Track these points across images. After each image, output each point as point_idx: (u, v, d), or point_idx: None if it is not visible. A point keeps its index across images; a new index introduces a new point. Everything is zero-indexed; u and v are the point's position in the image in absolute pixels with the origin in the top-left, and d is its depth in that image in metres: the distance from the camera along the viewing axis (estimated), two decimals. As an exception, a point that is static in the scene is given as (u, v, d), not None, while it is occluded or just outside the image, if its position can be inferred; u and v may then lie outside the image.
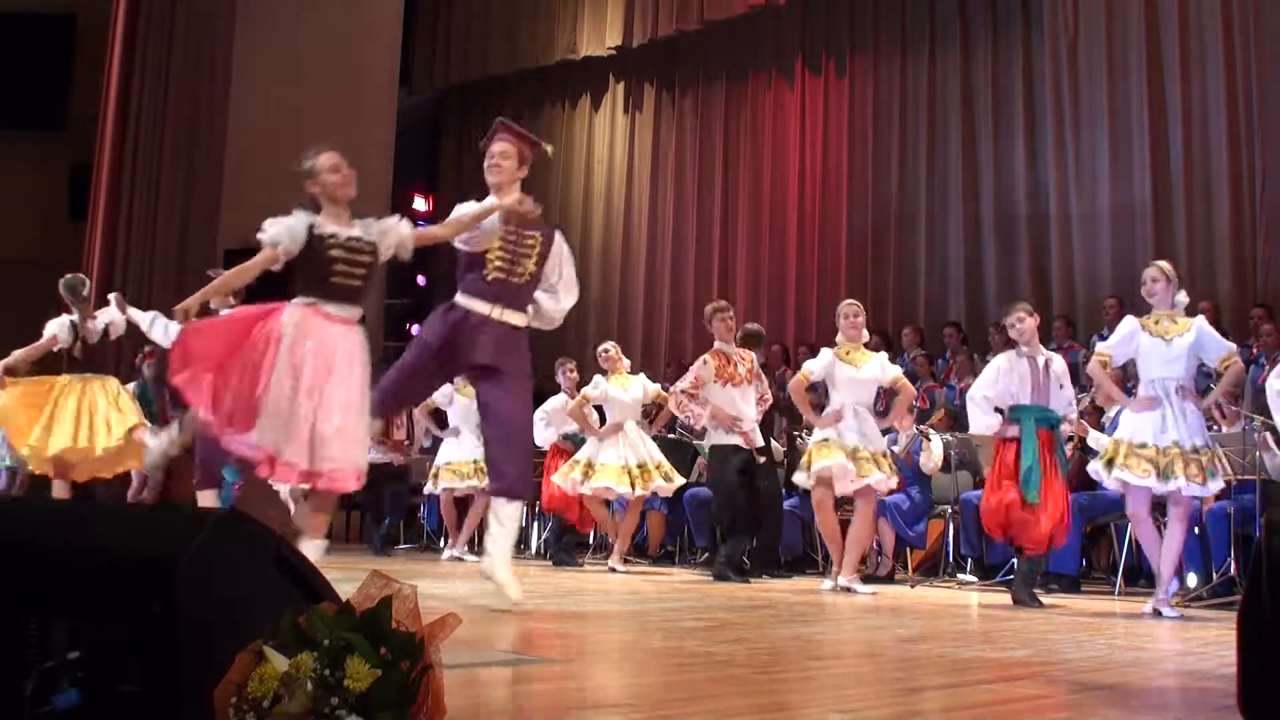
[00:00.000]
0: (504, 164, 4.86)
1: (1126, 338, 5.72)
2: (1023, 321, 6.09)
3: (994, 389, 6.09)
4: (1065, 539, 6.12)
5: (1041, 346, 6.18)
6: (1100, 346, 6.10)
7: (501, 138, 4.95)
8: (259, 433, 4.08)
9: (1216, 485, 5.49)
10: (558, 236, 4.99)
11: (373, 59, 14.07)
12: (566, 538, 9.04)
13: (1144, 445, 5.55)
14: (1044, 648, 3.96)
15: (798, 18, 12.65)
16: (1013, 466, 5.96)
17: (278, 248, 4.48)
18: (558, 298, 4.96)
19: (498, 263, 4.69)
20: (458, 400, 9.24)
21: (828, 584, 6.79)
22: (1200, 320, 5.67)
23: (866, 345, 6.97)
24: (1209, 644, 4.37)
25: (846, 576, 6.64)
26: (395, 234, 4.60)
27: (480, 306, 4.69)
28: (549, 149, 5.10)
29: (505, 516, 4.70)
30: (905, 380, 6.98)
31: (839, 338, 6.90)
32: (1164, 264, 5.82)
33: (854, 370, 6.77)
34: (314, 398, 4.17)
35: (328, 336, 4.31)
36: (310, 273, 4.46)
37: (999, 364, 6.17)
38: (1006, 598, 6.18)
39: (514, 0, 14.54)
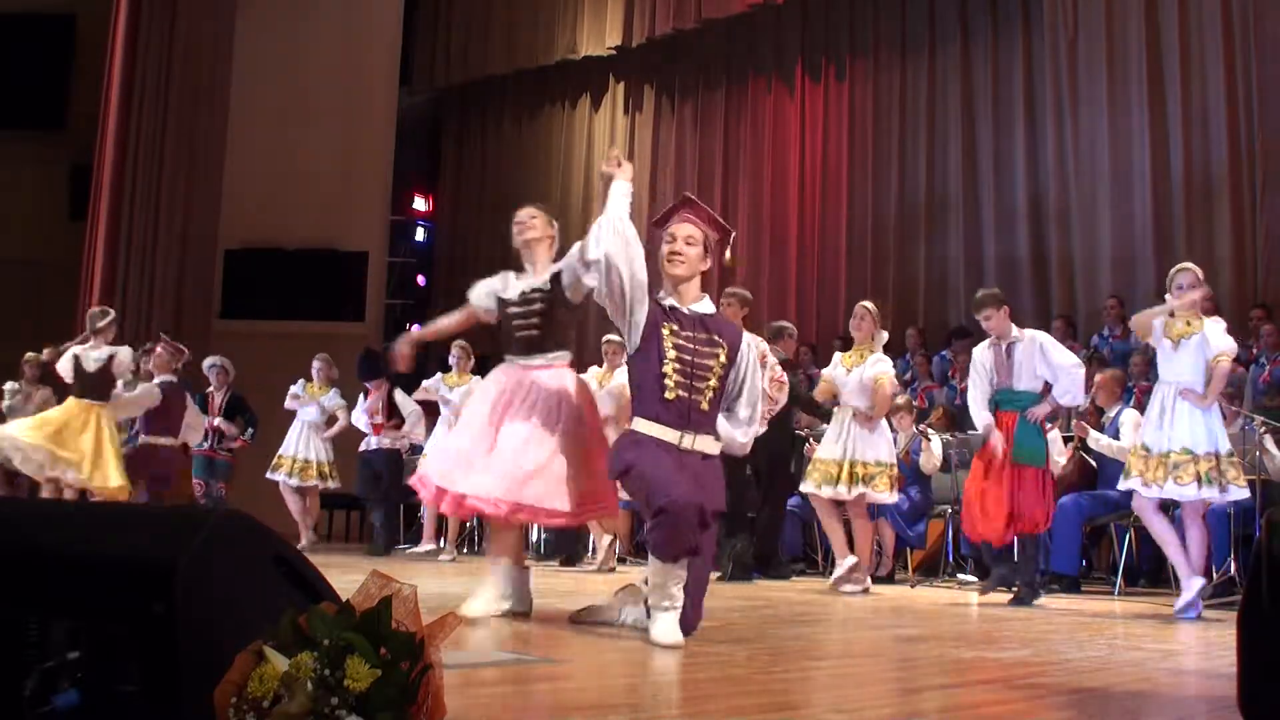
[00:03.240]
0: (689, 252, 3.96)
1: (1159, 333, 5.71)
2: (990, 319, 6.12)
3: (979, 386, 6.16)
4: (1040, 524, 6.04)
5: (1014, 329, 6.12)
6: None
7: (685, 217, 4.01)
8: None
9: (1210, 493, 5.42)
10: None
11: (373, 59, 14.09)
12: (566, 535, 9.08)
13: (1146, 450, 5.58)
14: (1044, 648, 3.95)
15: (797, 18, 12.65)
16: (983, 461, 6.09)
17: None
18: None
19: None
20: (444, 392, 9.27)
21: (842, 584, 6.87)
22: (1210, 321, 5.63)
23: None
24: (1209, 644, 4.37)
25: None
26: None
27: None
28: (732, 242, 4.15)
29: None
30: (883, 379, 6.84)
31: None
32: (1195, 266, 5.75)
33: (844, 373, 6.87)
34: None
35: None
36: None
37: (976, 359, 6.23)
38: (1006, 597, 6.18)
39: (514, 0, 14.55)
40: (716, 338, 3.94)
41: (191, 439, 8.97)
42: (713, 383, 3.90)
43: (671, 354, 3.84)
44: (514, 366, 4.45)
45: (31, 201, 13.89)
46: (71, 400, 8.14)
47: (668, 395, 3.82)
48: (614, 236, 3.84)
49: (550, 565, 8.98)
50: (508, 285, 4.56)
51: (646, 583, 3.88)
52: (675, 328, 3.88)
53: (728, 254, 4.05)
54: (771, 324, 7.93)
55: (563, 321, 4.51)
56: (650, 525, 3.71)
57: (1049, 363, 5.98)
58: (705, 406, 3.88)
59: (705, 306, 4.00)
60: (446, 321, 4.85)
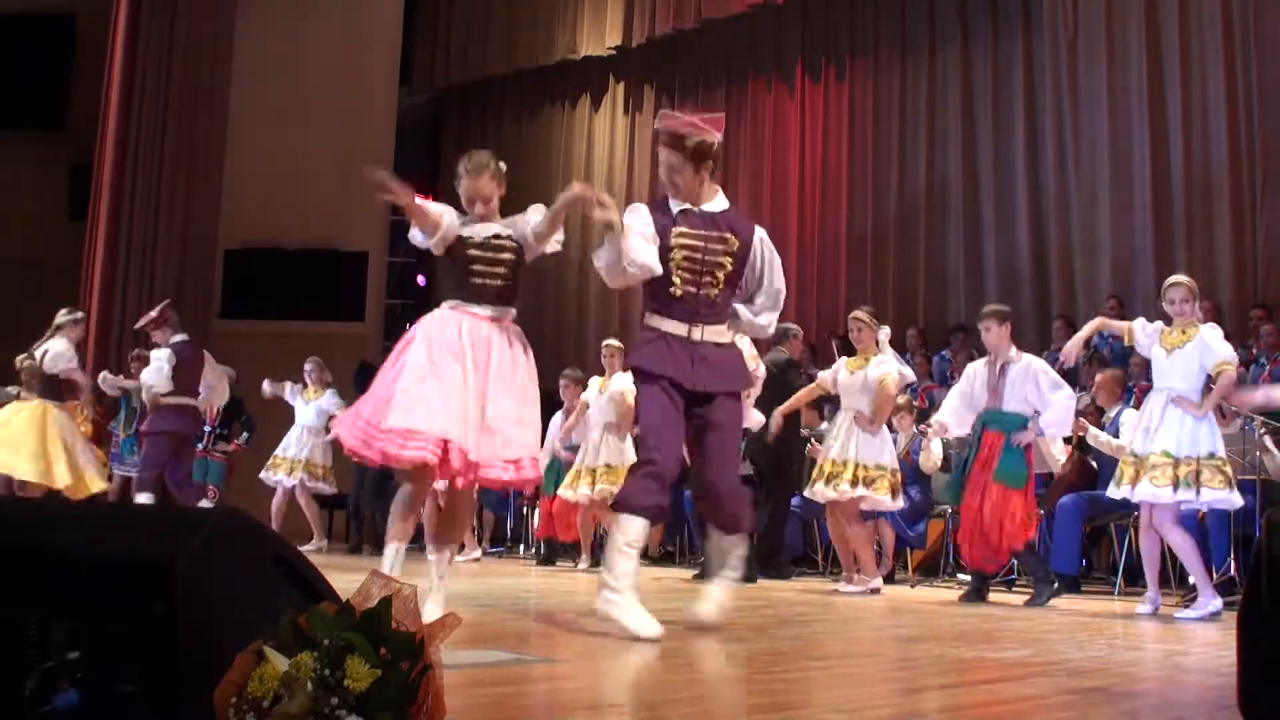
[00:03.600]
0: (675, 179, 4.11)
1: (1150, 335, 5.74)
2: (989, 332, 6.22)
3: (959, 397, 6.35)
4: (1016, 542, 6.06)
5: (1013, 349, 6.19)
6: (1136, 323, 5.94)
7: (661, 144, 4.15)
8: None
9: (1185, 495, 5.42)
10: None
11: (373, 59, 14.08)
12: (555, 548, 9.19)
13: (1134, 456, 5.62)
14: (1044, 648, 3.96)
15: (797, 18, 12.65)
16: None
17: None
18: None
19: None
20: None
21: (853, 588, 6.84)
22: (1206, 328, 5.66)
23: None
24: (1209, 644, 4.37)
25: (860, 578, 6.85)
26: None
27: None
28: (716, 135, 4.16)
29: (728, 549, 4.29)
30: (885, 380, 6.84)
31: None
32: (1189, 281, 5.79)
33: (847, 375, 6.89)
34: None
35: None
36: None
37: (967, 372, 6.40)
38: (1007, 597, 6.20)
39: (514, 0, 14.55)
40: (727, 234, 4.09)
41: (215, 399, 8.55)
42: (721, 276, 4.07)
43: (679, 255, 4.01)
44: (471, 315, 4.13)
45: (31, 201, 13.88)
46: None
47: (674, 292, 4.02)
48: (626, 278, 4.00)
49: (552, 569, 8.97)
50: (468, 224, 4.28)
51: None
52: (685, 229, 4.04)
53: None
54: (782, 327, 7.97)
55: (522, 275, 4.35)
56: (629, 477, 3.97)
57: (1040, 391, 6.02)
58: (714, 297, 4.08)
59: (717, 204, 4.13)
60: (423, 205, 4.26)
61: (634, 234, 3.95)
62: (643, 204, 4.26)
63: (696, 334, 4.04)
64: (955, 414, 6.38)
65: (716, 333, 4.09)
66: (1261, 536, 2.14)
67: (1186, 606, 5.66)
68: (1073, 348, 5.95)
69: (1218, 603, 5.51)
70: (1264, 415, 6.79)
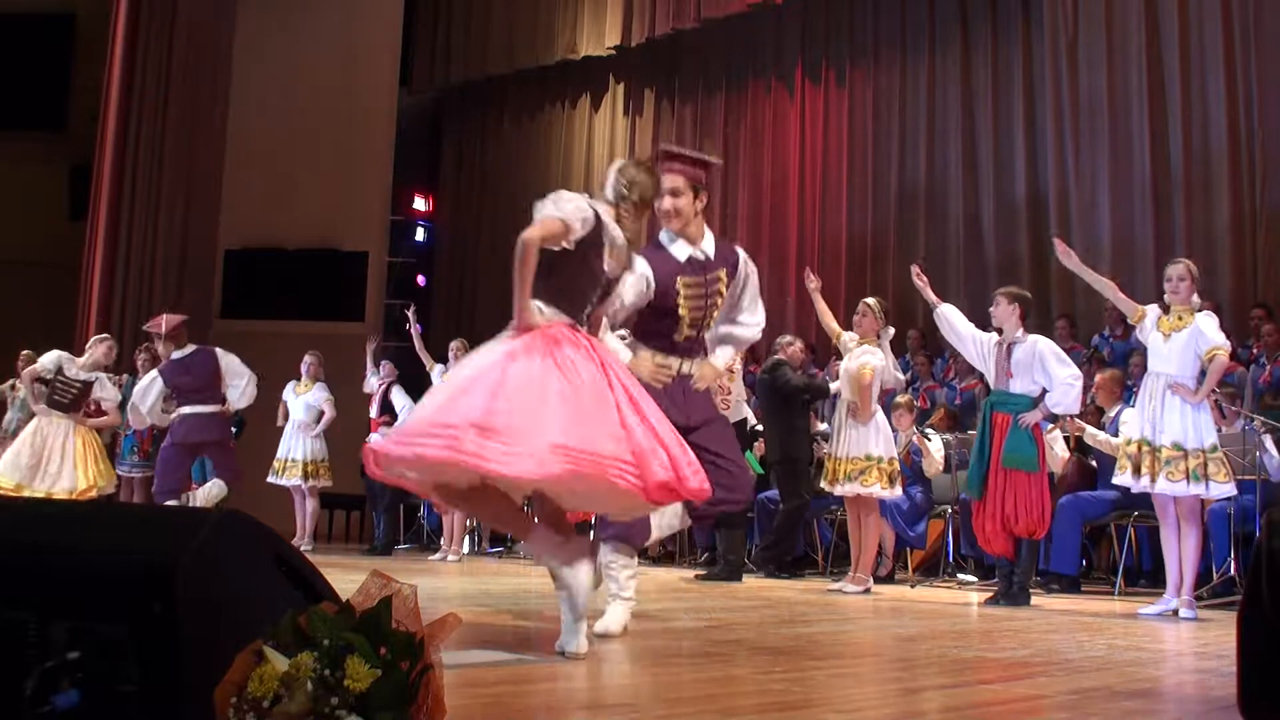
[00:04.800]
0: (679, 204, 4.15)
1: (1150, 320, 5.76)
2: (996, 307, 6.18)
3: (968, 334, 6.29)
4: (1036, 530, 6.05)
5: (1020, 330, 6.11)
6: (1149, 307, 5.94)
7: (668, 169, 4.18)
8: None
9: (1197, 489, 5.46)
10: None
11: (373, 59, 14.09)
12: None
13: (1129, 441, 5.63)
14: (1044, 648, 3.96)
15: (797, 18, 12.64)
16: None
17: None
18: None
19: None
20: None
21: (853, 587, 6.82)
22: (1202, 315, 5.68)
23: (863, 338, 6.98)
24: (1209, 644, 4.37)
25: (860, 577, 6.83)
26: None
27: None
28: (717, 162, 4.37)
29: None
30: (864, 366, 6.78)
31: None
32: (1190, 263, 5.82)
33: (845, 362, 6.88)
34: None
35: None
36: None
37: (981, 335, 6.29)
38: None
39: (514, 0, 14.55)
40: (720, 271, 4.26)
41: (231, 397, 8.19)
42: (716, 313, 4.29)
43: (685, 305, 4.16)
44: None
45: (31, 201, 13.89)
46: None
47: (677, 337, 4.20)
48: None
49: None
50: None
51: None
52: (689, 279, 4.18)
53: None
54: (778, 340, 8.06)
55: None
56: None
57: (1046, 371, 6.00)
58: (705, 336, 4.31)
59: (709, 243, 4.28)
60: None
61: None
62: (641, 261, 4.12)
63: (687, 368, 4.23)
64: (960, 322, 6.33)
65: (698, 364, 4.30)
66: (1261, 536, 2.14)
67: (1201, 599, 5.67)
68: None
69: (1185, 608, 5.50)
70: (1264, 415, 6.80)
